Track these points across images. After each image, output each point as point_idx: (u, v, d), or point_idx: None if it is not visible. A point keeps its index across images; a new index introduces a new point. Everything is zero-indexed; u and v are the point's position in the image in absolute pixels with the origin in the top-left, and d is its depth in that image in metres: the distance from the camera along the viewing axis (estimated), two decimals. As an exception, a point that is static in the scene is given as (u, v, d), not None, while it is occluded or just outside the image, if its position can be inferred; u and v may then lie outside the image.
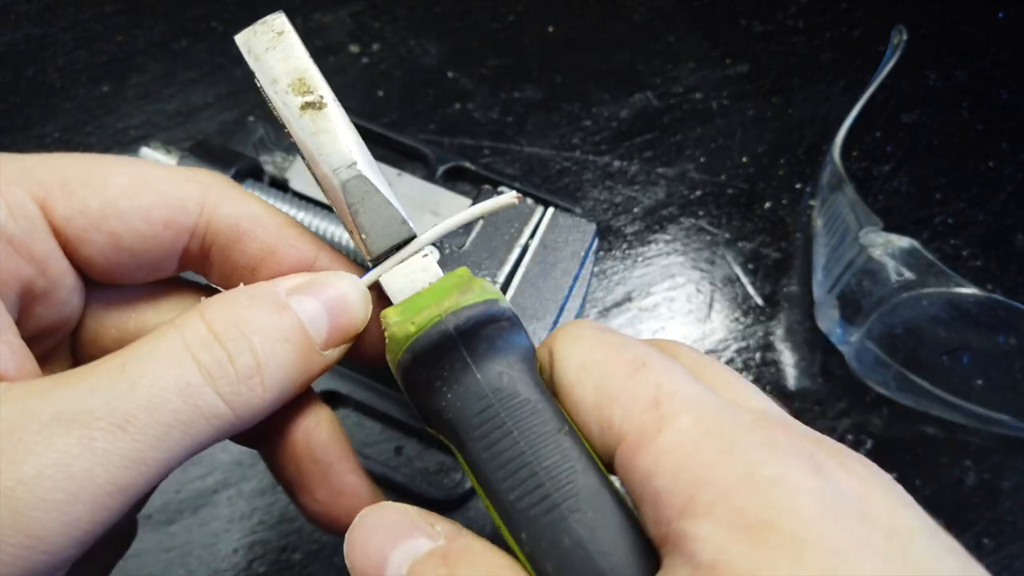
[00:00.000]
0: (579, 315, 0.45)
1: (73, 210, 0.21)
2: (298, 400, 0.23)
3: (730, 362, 0.52)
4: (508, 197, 0.26)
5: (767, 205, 0.58)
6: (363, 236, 0.24)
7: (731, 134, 0.61)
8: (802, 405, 0.51)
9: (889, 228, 0.48)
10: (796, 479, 0.18)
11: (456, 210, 0.48)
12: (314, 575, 0.45)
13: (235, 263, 0.23)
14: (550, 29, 0.65)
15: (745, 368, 0.52)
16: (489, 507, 0.22)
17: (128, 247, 0.22)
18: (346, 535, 0.21)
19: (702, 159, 0.60)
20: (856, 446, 0.49)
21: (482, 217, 0.27)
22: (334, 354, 0.22)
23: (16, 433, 0.17)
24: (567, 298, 0.43)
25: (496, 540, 0.22)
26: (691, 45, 0.60)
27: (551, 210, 0.46)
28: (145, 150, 0.24)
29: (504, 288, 0.43)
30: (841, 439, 0.49)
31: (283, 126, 0.24)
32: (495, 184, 0.49)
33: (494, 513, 0.22)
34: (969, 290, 0.47)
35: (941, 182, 0.59)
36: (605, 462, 0.22)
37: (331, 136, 0.23)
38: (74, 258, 0.22)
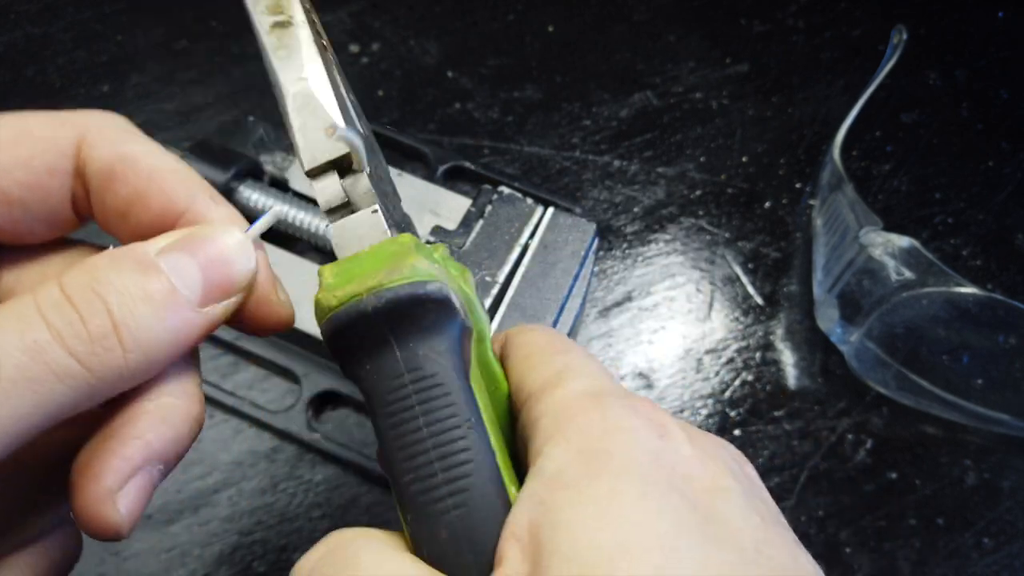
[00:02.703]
0: (579, 315, 0.45)
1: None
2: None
3: (730, 362, 0.52)
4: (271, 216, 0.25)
5: (767, 205, 0.58)
6: (297, 147, 0.24)
7: (731, 134, 0.61)
8: (802, 405, 0.51)
9: (889, 228, 0.48)
10: (641, 433, 0.22)
11: (456, 210, 0.48)
12: (314, 575, 0.45)
13: (108, 209, 0.23)
14: (550, 29, 0.65)
15: (745, 367, 0.52)
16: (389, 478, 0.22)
17: (18, 199, 0.22)
18: None
19: (702, 159, 0.60)
20: (856, 446, 0.49)
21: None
22: (217, 310, 0.21)
23: None
24: (567, 297, 0.43)
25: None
26: (691, 45, 0.60)
27: (551, 210, 0.46)
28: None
29: (504, 288, 0.43)
30: (841, 439, 0.50)
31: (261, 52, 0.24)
32: (495, 184, 0.49)
33: (392, 485, 0.22)
34: (969, 290, 0.47)
35: (941, 182, 0.59)
36: (517, 418, 0.24)
37: (288, 51, 0.24)
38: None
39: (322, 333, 0.23)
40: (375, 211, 0.24)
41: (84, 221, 0.24)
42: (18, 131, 0.22)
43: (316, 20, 0.26)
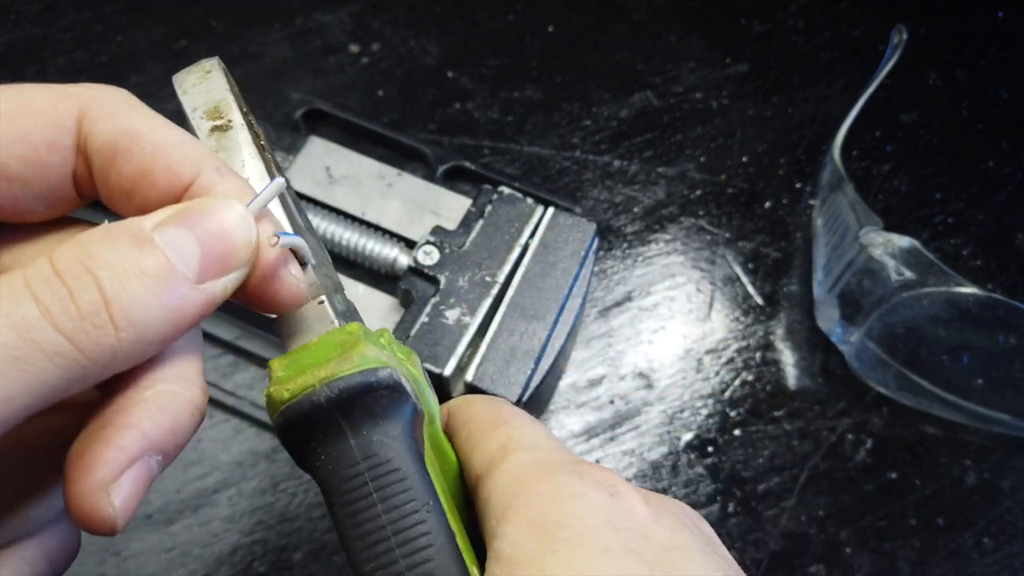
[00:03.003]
0: (579, 315, 0.45)
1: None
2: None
3: (730, 362, 0.52)
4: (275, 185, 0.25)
5: (767, 205, 0.58)
6: None
7: (731, 134, 0.61)
8: (802, 405, 0.51)
9: (889, 227, 0.48)
10: (591, 497, 0.21)
11: (456, 210, 0.48)
12: (314, 575, 0.45)
13: (112, 187, 0.22)
14: (550, 29, 0.65)
15: (745, 368, 0.52)
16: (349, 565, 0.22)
17: (17, 175, 0.21)
18: None
19: (702, 159, 0.60)
20: (856, 446, 0.49)
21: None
22: (216, 287, 0.20)
23: None
24: (567, 298, 0.43)
25: None
26: (691, 45, 0.60)
27: (551, 210, 0.46)
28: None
29: (504, 288, 0.43)
30: (841, 439, 0.50)
31: None
32: (495, 184, 0.49)
33: (353, 573, 0.22)
34: (969, 290, 0.47)
35: (941, 182, 0.59)
36: (471, 497, 0.24)
37: (228, 155, 0.25)
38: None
39: (275, 427, 0.23)
40: (321, 302, 0.24)
41: (87, 200, 0.23)
42: (18, 104, 0.21)
43: (254, 122, 0.26)
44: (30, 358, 0.17)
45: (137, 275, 0.18)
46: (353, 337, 0.23)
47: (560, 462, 0.23)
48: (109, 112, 0.22)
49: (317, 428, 0.22)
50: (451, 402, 0.27)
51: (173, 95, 0.27)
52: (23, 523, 0.22)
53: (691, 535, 0.22)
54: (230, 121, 0.25)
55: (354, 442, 0.22)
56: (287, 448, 0.23)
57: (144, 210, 0.21)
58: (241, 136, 0.25)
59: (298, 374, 0.22)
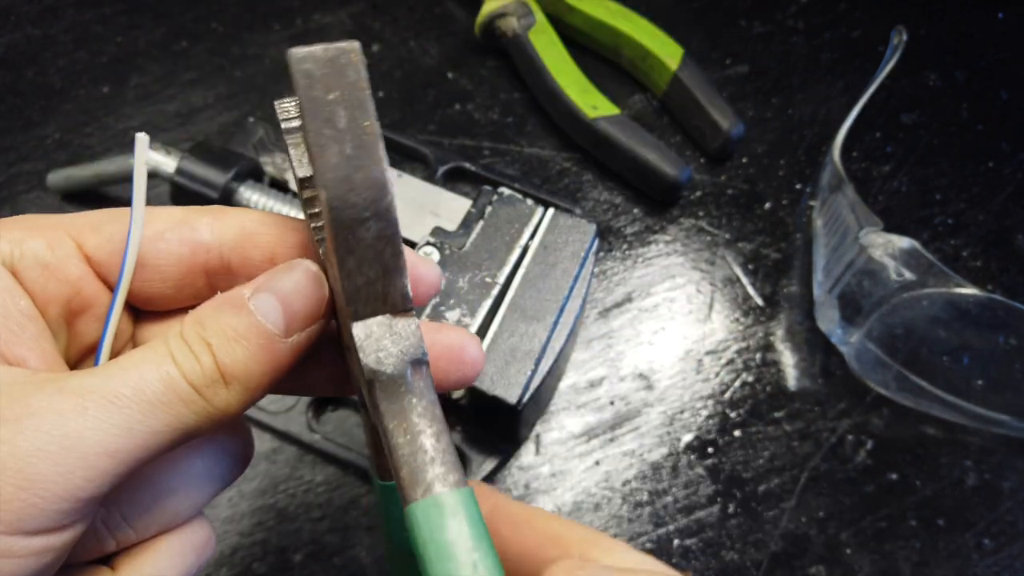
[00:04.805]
0: (579, 316, 0.45)
1: (101, 239, 0.25)
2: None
3: (730, 363, 0.52)
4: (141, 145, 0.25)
5: (767, 205, 0.58)
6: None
7: (731, 134, 0.61)
8: (802, 406, 0.51)
9: (889, 228, 0.48)
10: None
11: (456, 211, 0.48)
12: (314, 576, 0.45)
13: (253, 259, 0.26)
14: (550, 30, 0.65)
15: (745, 368, 0.52)
16: None
17: (152, 265, 0.25)
18: None
19: (702, 159, 0.60)
20: (856, 446, 0.49)
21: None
22: (301, 338, 0.23)
23: (23, 399, 0.20)
24: (567, 298, 0.43)
25: None
26: (691, 45, 0.60)
27: (551, 211, 0.46)
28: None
29: (504, 289, 0.43)
30: (841, 439, 0.50)
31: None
32: (495, 185, 0.49)
33: None
34: (969, 290, 0.47)
35: (941, 182, 0.59)
36: None
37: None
38: (107, 281, 0.26)
39: None
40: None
41: (214, 293, 0.27)
42: (152, 214, 0.25)
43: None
44: (173, 404, 0.21)
45: (236, 339, 0.22)
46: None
47: None
48: (227, 210, 0.26)
49: None
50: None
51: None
52: (172, 517, 0.25)
53: None
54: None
55: None
56: None
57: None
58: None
59: None
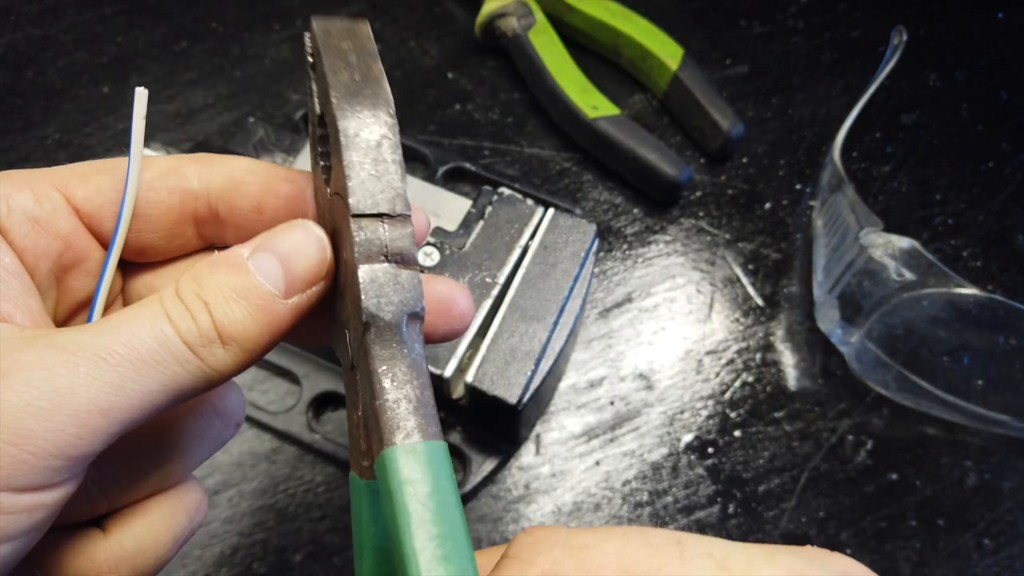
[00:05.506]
0: (579, 316, 0.45)
1: (89, 191, 0.25)
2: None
3: (730, 363, 0.52)
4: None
5: (767, 206, 0.58)
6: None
7: (731, 135, 0.61)
8: (802, 406, 0.51)
9: (889, 228, 0.48)
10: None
11: (456, 211, 0.48)
12: (314, 576, 0.45)
13: (240, 209, 0.25)
14: (550, 30, 0.65)
15: (745, 369, 0.52)
16: None
17: (142, 214, 0.25)
18: None
19: (702, 159, 0.60)
20: (856, 447, 0.49)
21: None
22: (301, 300, 0.23)
23: (11, 354, 0.20)
24: (567, 299, 0.43)
25: None
26: (691, 45, 0.60)
27: (551, 211, 0.46)
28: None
29: (504, 289, 0.43)
30: (841, 440, 0.50)
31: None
32: (495, 185, 0.49)
33: None
34: (969, 290, 0.47)
35: (941, 182, 0.59)
36: None
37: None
38: (97, 234, 0.25)
39: None
40: None
41: (208, 242, 0.27)
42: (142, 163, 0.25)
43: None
44: (167, 363, 0.21)
45: (235, 299, 0.22)
46: None
47: None
48: (216, 158, 0.26)
49: None
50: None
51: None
52: (164, 478, 0.25)
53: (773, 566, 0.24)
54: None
55: None
56: None
57: (274, 221, 0.24)
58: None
59: None
